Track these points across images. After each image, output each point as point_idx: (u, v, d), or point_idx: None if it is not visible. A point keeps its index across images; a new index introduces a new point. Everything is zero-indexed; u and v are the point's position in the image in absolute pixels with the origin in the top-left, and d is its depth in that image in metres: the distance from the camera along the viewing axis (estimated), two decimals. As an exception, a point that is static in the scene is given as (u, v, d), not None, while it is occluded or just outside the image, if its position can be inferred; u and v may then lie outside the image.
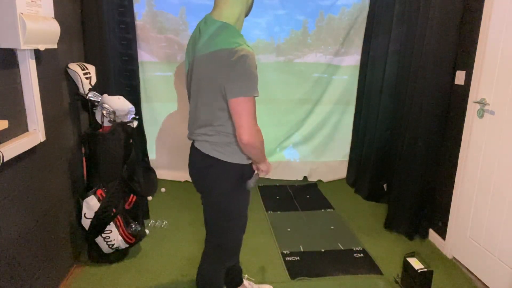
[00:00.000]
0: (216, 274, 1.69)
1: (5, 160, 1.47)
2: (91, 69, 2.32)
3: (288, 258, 2.46)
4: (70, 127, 2.25)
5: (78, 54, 2.40)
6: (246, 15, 1.52)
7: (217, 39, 1.35)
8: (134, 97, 3.13)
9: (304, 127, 3.88)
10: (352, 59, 3.68)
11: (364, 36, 3.52)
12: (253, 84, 1.33)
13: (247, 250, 2.54)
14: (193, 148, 1.55)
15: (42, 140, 1.81)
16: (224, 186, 1.50)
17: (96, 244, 2.25)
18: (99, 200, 2.17)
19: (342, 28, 3.57)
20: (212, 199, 1.55)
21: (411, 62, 2.71)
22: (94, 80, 2.30)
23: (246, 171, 1.53)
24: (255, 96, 1.34)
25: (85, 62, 2.40)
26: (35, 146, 1.78)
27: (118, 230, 2.25)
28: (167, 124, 3.69)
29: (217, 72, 1.33)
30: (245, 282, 2.08)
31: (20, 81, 1.68)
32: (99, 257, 2.32)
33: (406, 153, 2.69)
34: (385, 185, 3.42)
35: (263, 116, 3.81)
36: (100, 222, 2.17)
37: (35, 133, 1.75)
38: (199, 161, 1.51)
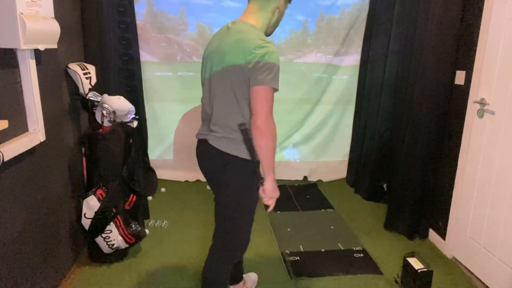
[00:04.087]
0: (223, 270, 1.72)
1: (5, 160, 1.47)
2: (91, 69, 2.32)
3: (288, 258, 2.46)
4: (70, 127, 2.25)
5: (78, 54, 2.41)
6: (269, 33, 1.63)
7: (246, 35, 1.44)
8: (134, 97, 3.13)
9: (304, 127, 3.88)
10: (352, 59, 3.68)
11: (364, 36, 3.52)
12: (276, 77, 1.43)
13: (247, 250, 2.54)
14: (205, 146, 1.56)
15: (42, 140, 1.81)
16: (240, 183, 1.53)
17: (96, 244, 2.25)
18: (99, 200, 2.17)
19: (342, 28, 3.57)
20: (227, 195, 1.57)
21: (411, 62, 2.71)
22: (94, 80, 2.30)
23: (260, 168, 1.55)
24: (276, 91, 1.44)
25: (85, 62, 2.40)
26: (35, 146, 1.78)
27: (118, 230, 2.25)
28: (167, 124, 3.69)
29: (244, 63, 1.40)
30: (244, 275, 2.10)
31: (20, 81, 1.68)
32: (99, 257, 2.32)
33: (406, 153, 2.69)
34: (385, 185, 3.43)
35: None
36: (100, 222, 2.17)
37: (35, 133, 1.75)
38: (215, 158, 1.54)
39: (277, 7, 1.55)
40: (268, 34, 1.61)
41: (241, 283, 2.05)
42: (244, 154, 1.49)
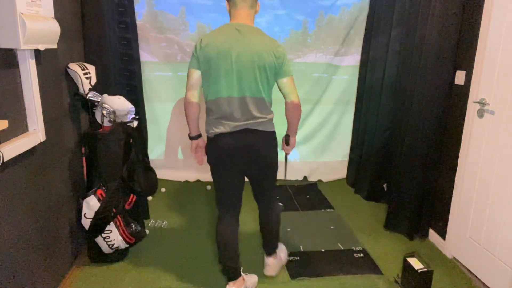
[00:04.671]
0: (280, 215, 2.24)
1: (5, 160, 1.47)
2: (91, 69, 2.32)
3: (288, 258, 2.46)
4: (70, 127, 2.26)
5: (78, 54, 2.41)
6: None
7: (263, 38, 1.85)
8: (134, 97, 3.13)
9: (304, 127, 3.87)
10: (352, 59, 3.68)
11: (364, 36, 3.52)
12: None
13: (247, 249, 2.54)
14: (247, 132, 1.88)
15: (42, 140, 1.81)
16: (276, 150, 2.05)
17: (96, 244, 2.25)
18: (99, 200, 2.17)
19: (342, 28, 3.57)
20: (273, 162, 2.03)
21: (411, 62, 2.71)
22: (94, 80, 2.30)
23: None
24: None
25: (85, 62, 2.40)
26: (35, 146, 1.78)
27: (118, 230, 2.25)
28: (167, 124, 3.69)
29: (271, 59, 1.83)
30: (242, 274, 2.17)
31: (20, 81, 1.68)
32: (99, 257, 2.32)
33: (406, 153, 2.69)
34: (385, 185, 3.42)
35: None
36: (100, 222, 2.17)
37: (35, 133, 1.76)
38: (263, 138, 1.94)
39: (255, 13, 1.93)
40: None
41: (240, 279, 2.08)
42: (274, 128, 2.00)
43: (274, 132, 1.99)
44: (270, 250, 2.25)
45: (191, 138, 2.02)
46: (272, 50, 1.82)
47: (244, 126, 1.86)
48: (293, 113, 1.98)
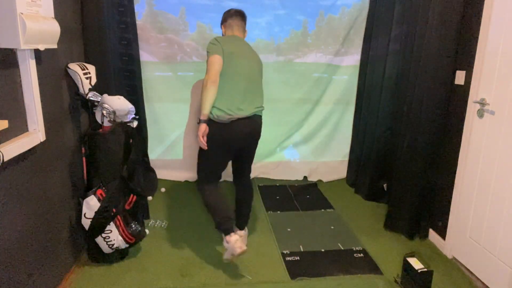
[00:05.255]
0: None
1: (5, 160, 1.47)
2: (91, 69, 2.32)
3: (288, 258, 2.46)
4: (70, 127, 2.25)
5: (78, 54, 2.40)
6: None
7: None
8: (134, 97, 3.13)
9: (304, 127, 3.88)
10: (352, 59, 3.68)
11: (364, 36, 3.52)
12: None
13: (247, 249, 2.55)
14: (251, 119, 2.25)
15: (42, 140, 1.81)
16: None
17: (96, 244, 2.25)
18: (99, 200, 2.17)
19: (342, 28, 3.57)
20: (256, 143, 2.40)
21: (411, 62, 2.71)
22: (94, 80, 2.29)
23: None
24: None
25: (85, 62, 2.40)
26: (35, 146, 1.78)
27: (118, 230, 2.25)
28: (167, 124, 3.68)
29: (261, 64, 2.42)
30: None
31: (20, 81, 1.68)
32: (99, 257, 2.32)
33: (406, 153, 2.69)
34: (385, 185, 3.42)
35: (263, 116, 3.80)
36: (100, 222, 2.17)
37: (35, 133, 1.75)
38: (259, 124, 2.33)
39: (244, 37, 2.46)
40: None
41: (236, 229, 2.42)
42: None
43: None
44: (244, 223, 2.54)
45: (203, 121, 2.16)
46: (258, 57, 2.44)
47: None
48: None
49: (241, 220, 2.52)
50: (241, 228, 2.52)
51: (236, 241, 2.15)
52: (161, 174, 3.64)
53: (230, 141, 2.22)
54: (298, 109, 3.81)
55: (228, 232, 2.19)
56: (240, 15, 2.42)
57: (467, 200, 2.38)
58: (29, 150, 1.72)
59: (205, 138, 2.18)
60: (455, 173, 2.47)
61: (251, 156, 2.45)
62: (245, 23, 2.45)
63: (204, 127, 2.14)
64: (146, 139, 3.41)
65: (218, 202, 2.31)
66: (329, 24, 3.57)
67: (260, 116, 2.35)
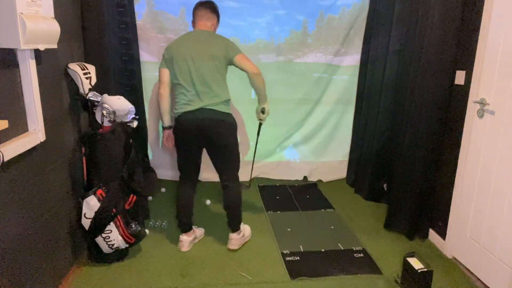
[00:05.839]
0: (241, 192, 2.53)
1: (5, 160, 1.47)
2: (91, 69, 2.32)
3: (288, 258, 2.46)
4: (70, 127, 2.25)
5: (78, 54, 2.40)
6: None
7: (220, 37, 2.41)
8: (134, 97, 3.13)
9: (304, 127, 3.88)
10: (352, 59, 3.68)
11: (364, 36, 3.52)
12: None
13: (247, 249, 2.55)
14: (200, 111, 2.30)
15: (42, 140, 1.81)
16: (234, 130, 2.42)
17: (96, 244, 2.25)
18: (99, 200, 2.17)
19: (342, 28, 3.57)
20: (229, 140, 2.38)
21: (411, 62, 2.71)
22: (94, 80, 2.29)
23: None
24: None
25: (85, 62, 2.40)
26: (35, 146, 1.78)
27: (118, 230, 2.25)
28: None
29: (225, 51, 2.34)
30: (193, 226, 2.64)
31: (20, 81, 1.68)
32: (99, 257, 2.32)
33: (406, 153, 2.69)
34: (385, 185, 3.42)
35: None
36: (100, 222, 2.17)
37: (35, 133, 1.75)
38: (213, 117, 2.30)
39: (213, 25, 2.48)
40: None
41: (191, 231, 2.56)
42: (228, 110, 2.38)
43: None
44: (231, 227, 2.55)
45: (164, 128, 2.59)
46: (223, 45, 2.35)
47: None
48: (260, 79, 2.41)
49: (228, 224, 2.57)
50: (232, 231, 2.56)
51: (180, 241, 2.52)
52: (161, 174, 3.64)
53: (182, 133, 2.36)
54: (298, 109, 3.81)
55: (182, 231, 2.54)
56: (203, 4, 2.45)
57: (467, 200, 2.38)
58: (29, 150, 1.72)
59: (170, 142, 2.53)
60: (455, 173, 2.47)
61: (220, 153, 2.40)
62: (211, 11, 2.45)
63: (166, 133, 2.54)
64: (146, 139, 3.41)
65: (178, 201, 2.52)
66: (329, 24, 3.57)
67: (216, 111, 2.31)
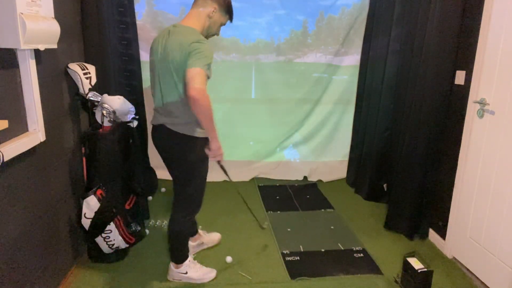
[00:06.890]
0: (188, 223, 2.14)
1: (5, 160, 1.47)
2: (91, 69, 2.32)
3: (288, 258, 2.46)
4: (70, 127, 2.25)
5: (78, 54, 2.41)
6: (208, 37, 1.97)
7: (185, 36, 1.78)
8: (134, 97, 3.13)
9: (304, 127, 3.88)
10: (352, 59, 3.68)
11: (364, 36, 3.52)
12: (205, 64, 1.75)
13: (247, 249, 2.55)
14: (155, 128, 1.99)
15: (42, 140, 1.81)
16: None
17: (96, 244, 2.25)
18: (99, 200, 2.17)
19: (342, 28, 3.57)
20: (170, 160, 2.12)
21: (411, 62, 2.71)
22: (94, 80, 2.30)
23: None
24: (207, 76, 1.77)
25: (85, 62, 2.40)
26: (35, 146, 1.78)
27: (118, 230, 2.25)
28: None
29: (181, 58, 1.75)
30: (200, 231, 2.53)
31: (20, 81, 1.68)
32: (99, 257, 2.32)
33: (406, 153, 2.69)
34: (385, 185, 3.42)
35: (263, 116, 3.81)
36: (100, 222, 2.17)
37: (35, 133, 1.76)
38: (162, 136, 2.00)
39: (207, 14, 1.89)
40: (206, 37, 1.94)
41: (196, 235, 2.46)
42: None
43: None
44: (170, 256, 2.21)
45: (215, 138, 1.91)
46: (180, 48, 1.75)
47: None
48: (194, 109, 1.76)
49: None
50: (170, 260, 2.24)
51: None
52: (161, 174, 3.64)
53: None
54: (298, 109, 3.81)
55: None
56: None
57: (467, 200, 2.38)
58: (29, 150, 1.72)
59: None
60: (455, 173, 2.47)
61: (173, 175, 2.10)
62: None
63: (219, 146, 2.00)
64: (146, 139, 3.41)
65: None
66: (329, 24, 3.57)
67: (167, 128, 1.88)
